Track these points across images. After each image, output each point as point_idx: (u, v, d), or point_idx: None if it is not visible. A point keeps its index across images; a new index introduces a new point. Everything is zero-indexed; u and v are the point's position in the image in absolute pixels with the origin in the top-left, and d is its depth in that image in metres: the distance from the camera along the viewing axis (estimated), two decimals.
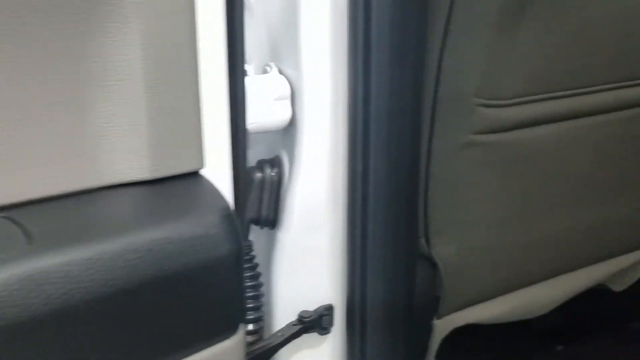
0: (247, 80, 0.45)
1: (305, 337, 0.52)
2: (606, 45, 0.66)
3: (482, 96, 0.62)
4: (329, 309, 0.52)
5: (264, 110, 0.46)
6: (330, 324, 0.53)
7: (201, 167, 0.37)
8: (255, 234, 0.53)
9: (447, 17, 0.57)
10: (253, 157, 0.53)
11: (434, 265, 0.68)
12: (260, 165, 0.52)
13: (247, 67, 0.49)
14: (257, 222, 0.52)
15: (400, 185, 0.50)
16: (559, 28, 0.62)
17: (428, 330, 0.72)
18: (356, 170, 0.47)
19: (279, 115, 0.48)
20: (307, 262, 0.51)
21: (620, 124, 0.72)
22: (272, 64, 0.50)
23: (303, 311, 0.51)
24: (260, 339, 0.52)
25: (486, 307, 0.74)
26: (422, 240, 0.68)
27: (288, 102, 0.48)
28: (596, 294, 0.92)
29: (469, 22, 0.58)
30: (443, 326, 0.71)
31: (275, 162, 0.51)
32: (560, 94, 0.66)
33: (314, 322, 0.51)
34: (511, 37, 0.60)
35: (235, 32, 0.38)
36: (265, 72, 0.50)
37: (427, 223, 0.67)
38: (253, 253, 0.52)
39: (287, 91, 0.48)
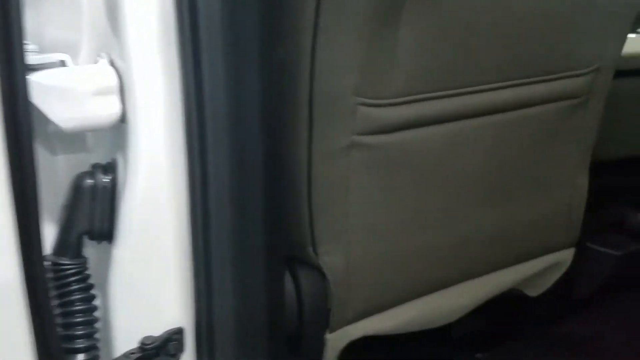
0: (58, 71, 0.38)
1: None
2: (496, 43, 0.63)
3: (362, 95, 0.57)
4: (178, 333, 0.46)
5: (82, 105, 0.40)
6: (180, 349, 0.47)
7: None
8: (93, 250, 0.47)
9: (316, 9, 0.52)
10: (91, 160, 0.47)
11: (323, 275, 0.64)
12: (93, 170, 0.46)
13: (66, 56, 0.43)
14: (91, 235, 0.46)
15: (250, 191, 0.44)
16: (443, 23, 0.58)
17: (322, 345, 0.67)
18: (195, 175, 0.41)
19: (103, 112, 0.41)
20: (150, 279, 0.45)
21: (514, 124, 0.69)
22: (103, 53, 0.44)
23: (146, 337, 0.45)
24: None
25: (384, 318, 0.70)
26: (310, 249, 0.63)
27: (116, 98, 0.42)
28: (513, 300, 0.89)
29: (341, 16, 0.53)
30: (337, 340, 0.67)
31: (109, 167, 0.45)
32: (448, 92, 0.62)
33: (157, 349, 0.44)
34: (391, 32, 0.56)
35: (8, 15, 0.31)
36: (96, 62, 0.44)
37: (313, 231, 0.62)
38: (87, 272, 0.46)
39: (114, 85, 0.42)
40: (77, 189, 0.44)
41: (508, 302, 0.88)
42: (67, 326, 0.46)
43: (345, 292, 0.65)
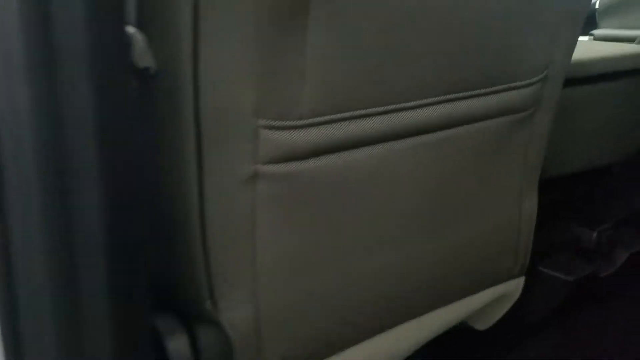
0: None
1: None
2: (427, 52, 0.53)
3: (264, 115, 0.47)
4: None
5: None
6: None
7: None
8: None
9: (194, 6, 0.41)
10: None
11: (225, 333, 0.53)
12: None
13: None
14: None
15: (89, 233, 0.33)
16: (363, 28, 0.48)
17: None
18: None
19: None
20: None
21: (451, 143, 0.60)
22: None
23: None
24: None
25: None
26: (208, 304, 0.52)
27: None
28: (462, 333, 0.81)
29: (226, 16, 0.42)
30: None
31: None
32: (371, 110, 0.52)
33: None
34: (295, 37, 0.45)
35: None
36: None
37: (211, 281, 0.51)
38: None
39: None
40: None
41: (455, 334, 0.79)
42: None
43: (257, 350, 0.54)
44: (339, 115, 0.51)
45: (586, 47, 0.95)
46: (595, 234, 0.91)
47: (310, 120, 0.50)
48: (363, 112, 0.53)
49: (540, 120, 0.69)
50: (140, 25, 0.43)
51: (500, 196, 0.70)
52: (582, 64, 0.82)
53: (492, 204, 0.70)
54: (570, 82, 0.85)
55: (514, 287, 0.77)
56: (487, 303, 0.75)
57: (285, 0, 0.43)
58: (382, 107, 0.54)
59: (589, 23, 1.76)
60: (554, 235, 0.92)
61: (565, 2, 0.62)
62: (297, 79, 0.48)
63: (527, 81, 0.64)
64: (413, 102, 0.56)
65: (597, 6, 1.70)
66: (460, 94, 0.59)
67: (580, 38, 1.54)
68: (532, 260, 0.88)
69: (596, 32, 1.59)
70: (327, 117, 0.51)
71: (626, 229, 0.99)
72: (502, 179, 0.69)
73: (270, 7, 0.42)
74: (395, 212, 0.60)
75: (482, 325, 0.79)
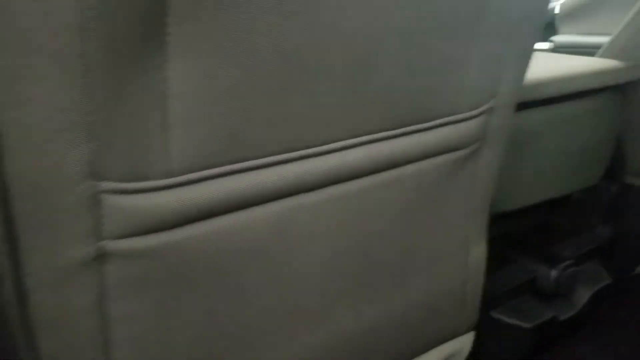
0: None
1: None
2: (337, 85, 0.42)
3: (109, 177, 0.34)
4: None
5: None
6: None
7: None
8: None
9: None
10: None
11: None
12: None
13: None
14: None
15: None
16: (247, 63, 0.36)
17: None
18: None
19: None
20: None
21: (377, 191, 0.49)
22: None
23: None
24: None
25: None
26: None
27: None
28: None
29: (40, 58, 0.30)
30: None
31: None
32: (270, 160, 0.40)
33: None
34: (149, 74, 0.33)
35: None
36: None
37: None
38: None
39: None
40: None
41: None
42: None
43: None
44: (224, 169, 0.40)
45: (541, 64, 0.85)
46: (554, 273, 0.82)
47: (182, 178, 0.38)
48: (256, 162, 0.41)
49: (486, 156, 0.59)
50: None
51: (442, 246, 0.60)
52: (534, 85, 0.72)
53: (434, 256, 0.59)
54: (523, 106, 0.75)
55: (462, 344, 0.67)
56: None
57: (127, 26, 0.31)
58: (282, 155, 0.42)
59: (549, 29, 1.70)
60: (509, 276, 0.82)
61: (512, 28, 0.52)
62: (156, 126, 0.36)
63: (468, 114, 0.53)
64: (323, 147, 0.45)
65: (556, 11, 1.64)
66: (385, 134, 0.48)
67: (539, 45, 1.48)
68: (485, 308, 0.79)
69: (556, 38, 1.52)
70: (206, 172, 0.39)
71: (589, 264, 0.91)
72: (444, 226, 0.59)
73: (108, 34, 0.30)
74: (309, 282, 0.48)
75: None
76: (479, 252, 0.64)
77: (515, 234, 0.90)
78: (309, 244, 0.48)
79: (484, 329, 0.78)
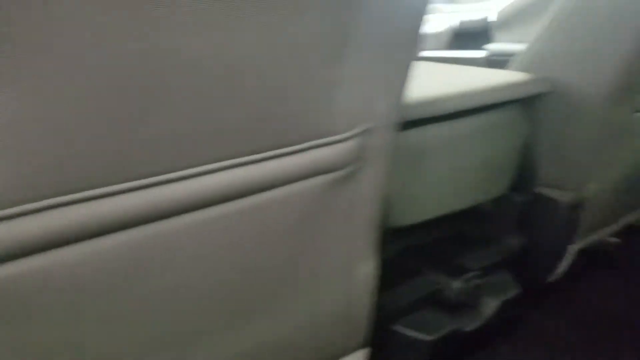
0: None
1: None
2: (182, 105, 0.40)
3: None
4: None
5: None
6: None
7: None
8: None
9: None
10: None
11: None
12: None
13: None
14: None
15: None
16: (63, 86, 0.35)
17: None
18: None
19: None
20: None
21: (241, 216, 0.48)
22: None
23: None
24: None
25: None
26: None
27: None
28: None
29: None
30: None
31: None
32: (112, 189, 0.39)
33: None
34: None
35: None
36: None
37: None
38: None
39: None
40: None
41: None
42: None
43: None
44: (55, 200, 0.38)
45: (448, 77, 0.85)
46: (458, 284, 0.83)
47: (9, 211, 0.36)
48: (94, 193, 0.39)
49: (369, 175, 0.58)
50: None
51: (324, 266, 0.59)
52: (437, 101, 0.72)
53: (315, 276, 0.58)
54: (425, 121, 0.75)
55: None
56: None
57: None
58: (128, 184, 0.40)
59: (483, 37, 1.72)
60: (414, 289, 0.82)
61: (383, 50, 0.51)
62: None
63: (342, 136, 0.53)
64: (178, 173, 0.44)
65: (489, 19, 1.66)
66: (250, 158, 0.47)
67: (475, 53, 1.49)
68: (386, 322, 0.79)
69: (490, 46, 1.54)
70: (35, 205, 0.37)
71: (497, 275, 0.92)
72: (325, 246, 0.58)
73: None
74: (173, 310, 0.47)
75: None
76: (366, 269, 0.64)
77: (425, 246, 0.91)
78: (171, 272, 0.46)
79: (385, 343, 0.79)
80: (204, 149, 0.44)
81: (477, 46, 1.54)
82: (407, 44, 0.54)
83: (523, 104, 0.88)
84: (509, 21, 1.47)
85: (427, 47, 1.64)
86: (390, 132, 0.58)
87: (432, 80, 0.84)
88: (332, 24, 0.47)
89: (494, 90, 0.79)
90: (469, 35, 1.64)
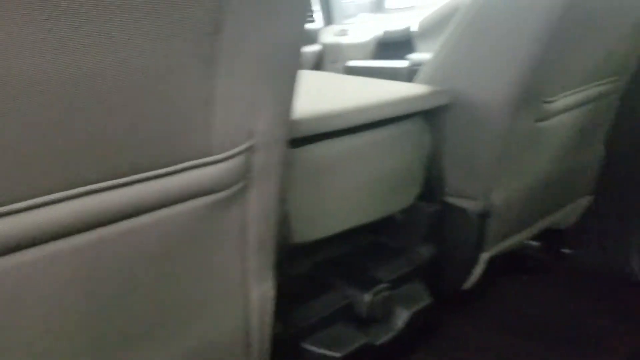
0: None
1: None
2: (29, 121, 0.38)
3: None
4: None
5: None
6: None
7: None
8: None
9: None
10: None
11: None
12: None
13: None
14: None
15: None
16: None
17: None
18: None
19: None
20: None
21: (109, 244, 0.45)
22: None
23: None
24: None
25: None
26: None
27: None
28: None
29: None
30: None
31: None
32: None
33: None
34: None
35: None
36: None
37: None
38: None
39: None
40: None
41: None
42: None
43: None
44: None
45: (351, 91, 0.85)
46: (367, 297, 0.82)
47: None
48: None
49: (258, 194, 0.57)
50: None
51: (214, 289, 0.57)
52: (339, 115, 0.72)
53: (205, 301, 0.56)
54: (326, 135, 0.74)
55: None
56: None
57: None
58: None
59: (407, 47, 1.75)
60: (325, 304, 0.82)
61: (260, 67, 0.50)
62: None
63: (221, 156, 0.51)
64: (24, 202, 0.41)
65: (411, 29, 1.69)
66: (112, 183, 0.45)
67: (397, 63, 1.52)
68: (296, 339, 0.77)
69: (412, 56, 1.57)
70: None
71: (409, 285, 0.92)
72: (213, 269, 0.56)
73: None
74: (35, 343, 0.44)
75: None
76: (264, 289, 0.62)
77: (339, 259, 0.90)
78: (30, 306, 0.43)
79: None
80: (54, 175, 0.42)
81: (402, 56, 1.56)
82: (286, 60, 0.53)
83: (426, 116, 0.89)
84: (429, 31, 1.49)
85: (353, 57, 1.65)
86: (278, 149, 0.57)
87: (334, 94, 0.84)
88: (197, 44, 0.45)
89: (393, 103, 0.80)
90: (394, 45, 1.66)
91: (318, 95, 0.85)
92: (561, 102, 0.94)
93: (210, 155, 0.51)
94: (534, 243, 1.36)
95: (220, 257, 0.56)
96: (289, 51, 0.53)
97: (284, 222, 0.69)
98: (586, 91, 1.00)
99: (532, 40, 0.79)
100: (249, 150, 0.54)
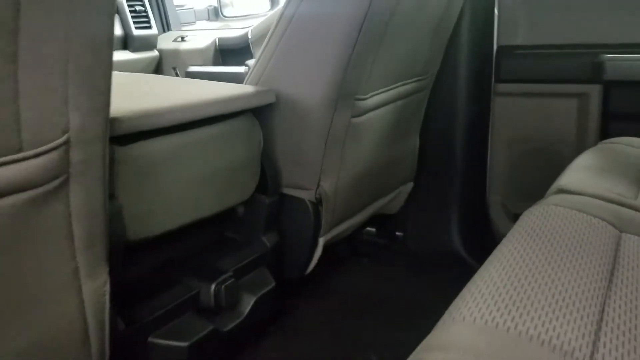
0: None
1: None
2: None
3: None
4: None
5: None
6: None
7: None
8: None
9: None
10: None
11: None
12: None
13: None
14: None
15: None
16: None
17: None
18: None
19: None
20: None
21: None
22: None
23: None
24: None
25: None
26: None
27: None
28: None
29: None
30: None
31: None
32: None
33: None
34: None
35: None
36: None
37: None
38: None
39: None
40: None
41: None
42: None
43: None
44: None
45: (180, 92, 0.89)
46: (212, 287, 0.86)
47: None
48: None
49: (79, 190, 0.58)
50: None
51: (43, 286, 0.57)
52: (156, 114, 0.74)
53: (32, 300, 0.56)
54: (156, 132, 0.77)
55: None
56: None
57: None
58: None
59: (246, 53, 1.84)
60: (171, 298, 0.84)
61: (66, 63, 0.51)
62: None
63: (32, 152, 0.52)
64: None
65: (249, 36, 1.78)
66: None
67: (237, 68, 1.58)
68: (144, 335, 0.78)
69: (249, 62, 1.64)
70: None
71: (253, 273, 0.98)
72: (40, 269, 0.56)
73: None
74: None
75: None
76: (97, 285, 0.63)
77: (183, 255, 0.93)
78: None
79: (143, 356, 0.78)
80: None
81: (242, 62, 1.63)
82: (96, 57, 0.55)
83: (255, 114, 0.96)
84: (260, 39, 1.58)
85: (193, 62, 1.68)
86: (98, 145, 0.59)
87: (167, 95, 0.86)
88: None
89: (220, 101, 0.85)
90: (233, 52, 1.72)
91: (150, 95, 0.86)
92: (373, 99, 1.06)
93: (21, 151, 0.51)
94: (371, 229, 1.50)
95: (46, 254, 0.56)
96: (98, 48, 0.55)
97: (116, 219, 0.70)
98: (396, 89, 1.14)
99: (339, 46, 0.89)
100: (64, 146, 0.54)
